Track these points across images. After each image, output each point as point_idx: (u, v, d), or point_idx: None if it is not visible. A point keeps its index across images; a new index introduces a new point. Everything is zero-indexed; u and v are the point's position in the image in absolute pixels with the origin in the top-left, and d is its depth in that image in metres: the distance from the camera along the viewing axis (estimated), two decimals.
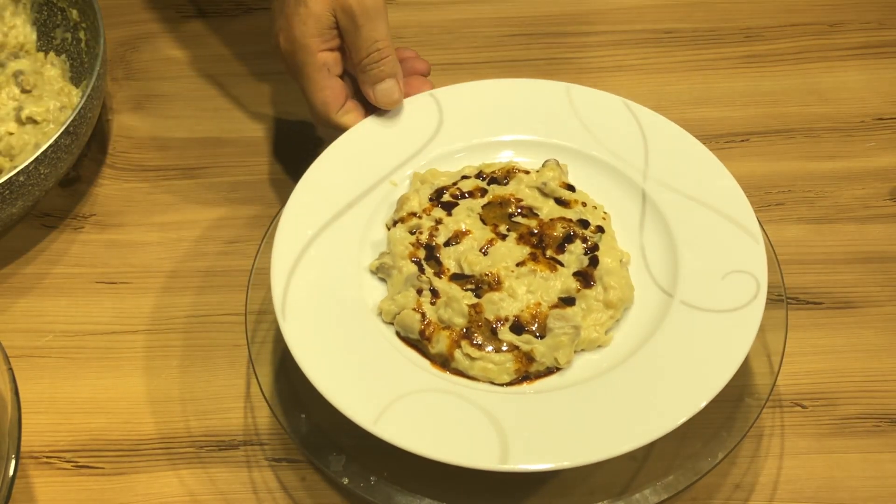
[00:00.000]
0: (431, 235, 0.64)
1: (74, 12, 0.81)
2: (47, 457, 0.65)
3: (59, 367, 0.69)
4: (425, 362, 0.60)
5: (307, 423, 0.61)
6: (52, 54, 0.82)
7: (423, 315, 0.60)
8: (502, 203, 0.66)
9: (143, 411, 0.67)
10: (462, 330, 0.60)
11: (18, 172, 0.67)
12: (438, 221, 0.65)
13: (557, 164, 0.68)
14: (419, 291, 0.62)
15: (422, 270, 0.63)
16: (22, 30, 0.83)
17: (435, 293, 0.61)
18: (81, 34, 0.81)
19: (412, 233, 0.64)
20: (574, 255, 0.63)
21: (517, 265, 0.63)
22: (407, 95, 0.71)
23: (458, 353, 0.59)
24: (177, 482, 0.63)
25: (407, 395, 0.57)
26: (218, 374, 0.68)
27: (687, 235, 0.64)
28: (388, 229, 0.66)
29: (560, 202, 0.66)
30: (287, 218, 0.64)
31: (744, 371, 0.63)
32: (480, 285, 0.62)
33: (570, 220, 0.65)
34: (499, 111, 0.71)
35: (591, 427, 0.55)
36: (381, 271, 0.64)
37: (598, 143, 0.69)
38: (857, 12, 0.89)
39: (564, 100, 0.71)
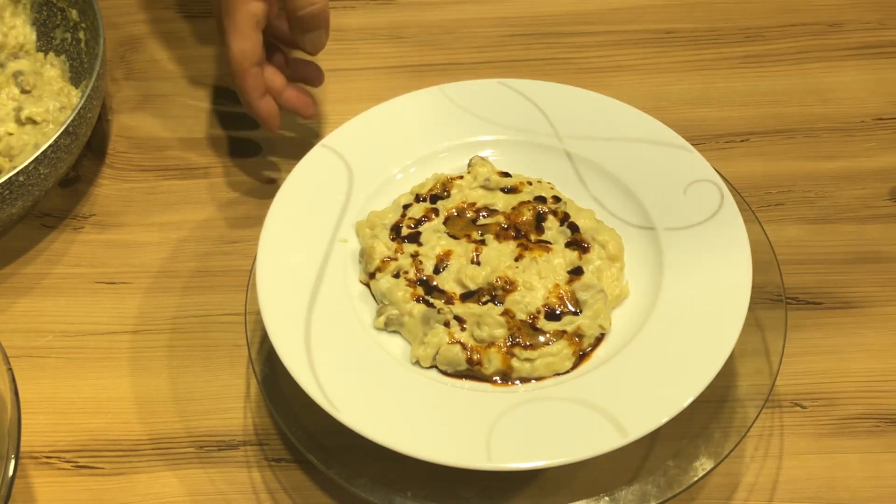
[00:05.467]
0: (418, 270, 0.63)
1: (74, 12, 0.81)
2: (47, 457, 0.65)
3: (59, 367, 0.69)
4: (487, 385, 0.60)
5: (306, 423, 0.61)
6: (51, 54, 0.82)
7: (462, 344, 0.60)
8: (459, 213, 0.67)
9: (143, 411, 0.67)
10: (507, 340, 0.60)
11: (18, 172, 0.67)
12: (415, 255, 0.64)
13: (482, 158, 0.69)
14: (446, 324, 0.61)
15: (431, 305, 0.62)
16: (22, 30, 0.83)
17: (459, 319, 0.61)
18: (81, 34, 0.81)
19: (396, 276, 0.63)
20: (554, 231, 0.65)
21: (515, 260, 0.63)
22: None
23: (515, 363, 0.59)
24: (177, 482, 0.63)
25: (497, 421, 0.56)
26: (218, 374, 0.68)
27: (627, 172, 0.67)
28: (367, 284, 0.64)
29: (508, 191, 0.67)
30: (270, 319, 0.60)
31: (744, 371, 0.63)
32: (494, 293, 0.62)
33: (530, 202, 0.66)
34: (395, 135, 0.71)
35: (669, 374, 0.57)
36: (390, 325, 0.62)
37: (499, 125, 0.71)
38: (857, 12, 0.89)
39: (444, 100, 0.72)
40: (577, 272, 0.62)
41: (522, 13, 0.91)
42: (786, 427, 0.64)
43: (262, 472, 0.64)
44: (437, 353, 0.60)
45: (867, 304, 0.70)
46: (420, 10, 0.91)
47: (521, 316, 0.61)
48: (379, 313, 0.62)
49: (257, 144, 0.82)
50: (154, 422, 0.66)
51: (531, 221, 0.65)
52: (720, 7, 0.90)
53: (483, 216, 0.66)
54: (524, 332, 0.60)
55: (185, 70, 0.88)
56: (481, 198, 0.67)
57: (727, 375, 0.60)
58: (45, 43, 0.84)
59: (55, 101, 0.76)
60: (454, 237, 0.65)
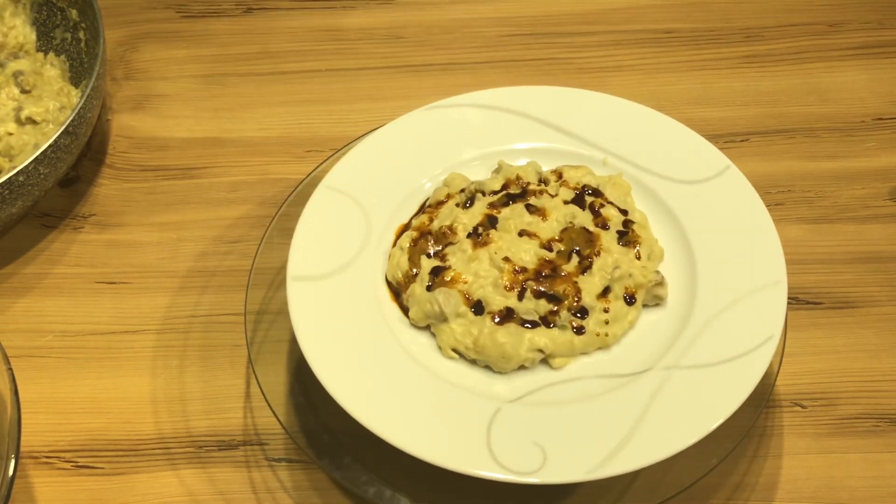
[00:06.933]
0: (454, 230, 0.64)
1: (74, 12, 0.81)
2: (47, 457, 0.65)
3: (59, 367, 0.69)
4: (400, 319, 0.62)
5: (306, 423, 0.61)
6: (51, 54, 0.82)
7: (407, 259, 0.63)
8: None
9: (143, 411, 0.67)
10: (432, 273, 0.62)
11: (18, 172, 0.68)
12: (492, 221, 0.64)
13: (643, 218, 0.65)
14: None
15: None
16: (22, 30, 0.83)
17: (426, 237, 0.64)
18: (81, 34, 0.81)
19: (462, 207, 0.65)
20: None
21: (541, 247, 0.62)
22: None
23: (414, 288, 0.61)
24: (176, 482, 0.63)
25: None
26: (218, 374, 0.68)
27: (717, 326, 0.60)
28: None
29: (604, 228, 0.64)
30: (347, 158, 0.68)
31: None
32: (479, 232, 0.63)
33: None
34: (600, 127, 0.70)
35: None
36: (432, 195, 0.67)
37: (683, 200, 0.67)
38: (857, 12, 0.89)
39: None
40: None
41: (522, 13, 0.91)
42: (786, 427, 0.64)
43: (261, 472, 0.64)
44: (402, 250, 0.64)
45: (867, 304, 0.70)
46: (420, 10, 0.91)
47: (467, 282, 0.61)
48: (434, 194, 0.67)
49: (257, 145, 0.82)
50: (154, 421, 0.66)
51: (576, 269, 0.62)
52: (720, 7, 0.91)
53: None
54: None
55: (185, 70, 0.88)
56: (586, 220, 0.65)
57: None
58: (45, 43, 0.84)
59: (55, 101, 0.76)
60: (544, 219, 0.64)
